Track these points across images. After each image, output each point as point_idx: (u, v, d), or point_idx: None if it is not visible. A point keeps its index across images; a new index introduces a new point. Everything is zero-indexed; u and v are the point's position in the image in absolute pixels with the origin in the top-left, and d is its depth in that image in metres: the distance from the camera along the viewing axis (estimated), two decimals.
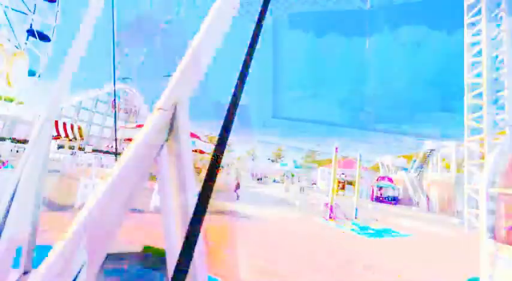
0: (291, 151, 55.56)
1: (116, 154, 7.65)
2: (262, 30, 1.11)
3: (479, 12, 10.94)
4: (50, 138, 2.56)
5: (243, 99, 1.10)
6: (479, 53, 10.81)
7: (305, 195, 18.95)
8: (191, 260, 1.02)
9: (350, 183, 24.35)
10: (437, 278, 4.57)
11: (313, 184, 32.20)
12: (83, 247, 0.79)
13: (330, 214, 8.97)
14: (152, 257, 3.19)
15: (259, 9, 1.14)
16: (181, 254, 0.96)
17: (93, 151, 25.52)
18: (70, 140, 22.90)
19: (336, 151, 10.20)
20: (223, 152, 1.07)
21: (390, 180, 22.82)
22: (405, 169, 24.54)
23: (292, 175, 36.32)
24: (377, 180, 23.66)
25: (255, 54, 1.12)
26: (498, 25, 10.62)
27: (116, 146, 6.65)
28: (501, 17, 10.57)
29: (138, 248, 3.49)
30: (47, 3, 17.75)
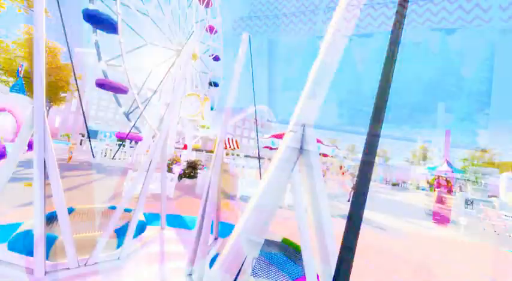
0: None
1: (259, 158, 9.30)
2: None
3: None
4: (223, 149, 3.60)
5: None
6: None
7: (475, 211, 12.77)
8: (350, 271, 0.99)
9: None
10: None
11: (491, 196, 21.00)
12: (250, 231, 1.06)
13: None
14: (290, 249, 3.48)
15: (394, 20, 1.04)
16: (338, 265, 0.97)
17: (245, 156, 32.44)
18: (231, 149, 30.80)
19: None
20: (374, 158, 1.04)
21: None
22: None
23: (448, 182, 25.96)
24: None
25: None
26: None
27: (258, 152, 8.16)
28: None
29: (278, 238, 3.89)
30: (215, 62, 25.59)
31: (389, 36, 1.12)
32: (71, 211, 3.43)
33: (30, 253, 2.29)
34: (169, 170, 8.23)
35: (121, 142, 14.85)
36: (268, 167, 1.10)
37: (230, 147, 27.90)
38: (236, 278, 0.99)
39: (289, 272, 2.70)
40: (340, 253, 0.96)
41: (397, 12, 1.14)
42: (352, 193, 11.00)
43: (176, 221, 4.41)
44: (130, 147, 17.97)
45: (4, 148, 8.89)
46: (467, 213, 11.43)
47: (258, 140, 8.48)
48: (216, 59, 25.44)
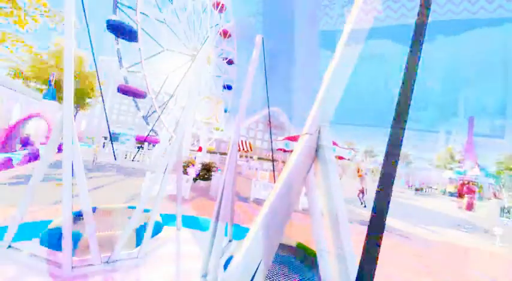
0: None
1: (273, 160, 9.27)
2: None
3: None
4: (237, 152, 3.63)
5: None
6: None
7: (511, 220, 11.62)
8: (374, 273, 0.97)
9: None
10: None
11: None
12: (265, 234, 1.06)
13: None
14: (305, 254, 3.41)
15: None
16: (361, 267, 0.95)
17: (258, 158, 32.42)
18: (245, 151, 30.97)
19: None
20: (397, 161, 1.01)
21: None
22: None
23: (480, 187, 23.94)
24: None
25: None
26: None
27: (272, 154, 8.09)
28: None
29: (292, 242, 3.82)
30: (228, 66, 26.07)
31: (414, 29, 1.07)
32: (93, 210, 3.65)
33: (58, 248, 2.47)
34: (185, 172, 8.47)
35: (140, 145, 15.58)
36: (283, 170, 1.09)
37: (244, 149, 28.05)
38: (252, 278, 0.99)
39: (303, 277, 2.65)
40: (362, 261, 0.93)
41: (421, 4, 1.09)
42: (360, 195, 10.47)
43: (191, 222, 4.52)
44: (148, 149, 18.75)
45: (38, 150, 9.74)
46: (503, 222, 10.43)
47: (272, 142, 8.45)
48: (230, 62, 25.90)
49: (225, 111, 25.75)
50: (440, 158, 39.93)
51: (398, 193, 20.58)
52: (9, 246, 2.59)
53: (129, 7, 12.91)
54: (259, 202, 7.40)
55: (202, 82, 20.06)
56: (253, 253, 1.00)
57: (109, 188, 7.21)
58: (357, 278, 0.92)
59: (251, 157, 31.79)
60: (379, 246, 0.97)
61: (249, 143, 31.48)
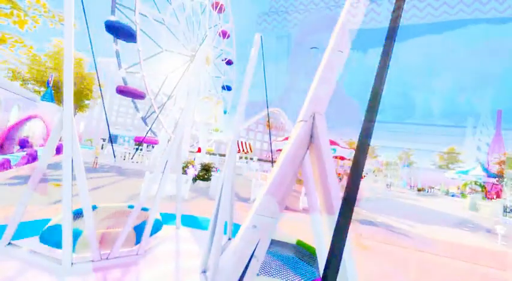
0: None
1: (272, 162, 9.33)
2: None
3: None
4: (236, 152, 3.67)
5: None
6: None
7: None
8: (340, 262, 1.00)
9: None
10: None
11: None
12: (257, 230, 1.10)
13: None
14: (304, 251, 3.43)
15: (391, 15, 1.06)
16: (329, 258, 0.99)
17: (258, 160, 32.40)
18: (244, 152, 30.99)
19: None
20: (364, 158, 1.04)
21: None
22: None
23: (482, 187, 23.96)
24: None
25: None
26: None
27: (272, 155, 8.16)
28: None
29: (292, 240, 3.84)
30: (228, 66, 26.18)
31: (387, 31, 1.13)
32: (93, 208, 3.69)
33: (58, 245, 2.51)
34: (184, 172, 8.51)
35: (138, 146, 15.62)
36: (278, 157, 1.13)
37: (243, 150, 28.02)
38: (248, 264, 1.03)
39: (303, 274, 2.68)
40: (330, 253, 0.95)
41: (395, 7, 1.15)
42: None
43: (191, 222, 4.55)
44: (147, 151, 18.78)
45: (36, 152, 9.78)
46: (506, 222, 10.45)
47: (271, 142, 8.52)
48: (229, 62, 26.01)
49: (225, 112, 25.82)
50: (442, 158, 39.92)
51: (400, 194, 20.59)
52: (9, 243, 2.63)
53: (128, 8, 13.03)
54: None
55: (202, 83, 20.14)
56: (251, 234, 1.04)
57: (109, 187, 7.25)
58: (326, 262, 0.94)
59: (251, 158, 31.80)
60: (346, 236, 0.98)
61: (249, 144, 31.54)
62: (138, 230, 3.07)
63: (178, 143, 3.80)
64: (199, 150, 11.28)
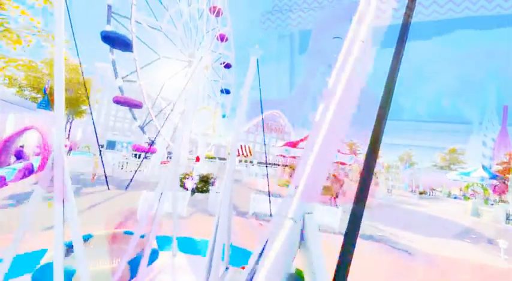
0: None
1: (266, 165, 9.25)
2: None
3: None
4: (235, 156, 3.55)
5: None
6: None
7: None
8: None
9: None
10: None
11: None
12: None
13: None
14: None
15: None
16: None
17: (258, 163, 32.34)
18: (244, 156, 30.91)
19: None
20: (373, 168, 1.06)
21: None
22: None
23: (485, 190, 23.92)
24: None
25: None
26: None
27: (266, 159, 8.20)
28: None
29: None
30: (226, 69, 26.19)
31: (400, 30, 1.14)
32: (89, 237, 3.64)
33: None
34: (182, 184, 8.46)
35: (135, 153, 15.58)
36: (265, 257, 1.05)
37: (243, 154, 27.91)
38: None
39: None
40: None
41: (407, 6, 1.15)
42: (333, 199, 9.53)
43: (188, 246, 4.50)
44: (145, 158, 18.72)
45: (31, 165, 9.73)
46: (508, 229, 10.38)
47: (265, 145, 8.54)
48: (227, 66, 26.00)
49: (223, 116, 25.77)
50: (444, 159, 39.83)
51: (401, 197, 20.54)
52: None
53: (124, 17, 13.01)
54: (258, 216, 7.37)
55: (200, 87, 20.11)
56: None
57: (105, 206, 7.20)
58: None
59: (251, 162, 31.72)
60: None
61: (249, 148, 31.47)
62: (133, 264, 3.02)
63: (176, 160, 3.78)
64: (197, 159, 11.24)
